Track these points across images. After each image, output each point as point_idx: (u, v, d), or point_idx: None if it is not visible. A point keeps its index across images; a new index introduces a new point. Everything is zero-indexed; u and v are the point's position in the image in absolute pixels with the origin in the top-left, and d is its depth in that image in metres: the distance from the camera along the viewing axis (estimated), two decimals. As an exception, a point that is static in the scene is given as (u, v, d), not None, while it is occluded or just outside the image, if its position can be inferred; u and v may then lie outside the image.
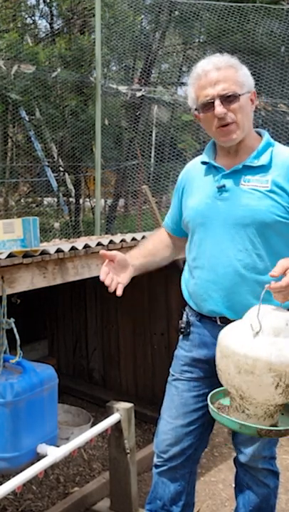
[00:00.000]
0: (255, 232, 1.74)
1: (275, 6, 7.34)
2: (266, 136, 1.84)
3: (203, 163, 1.91)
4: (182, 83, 8.84)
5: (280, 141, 1.89)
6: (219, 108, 1.72)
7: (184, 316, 1.99)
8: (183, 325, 1.97)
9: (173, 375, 2.01)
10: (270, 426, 1.50)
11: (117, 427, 2.41)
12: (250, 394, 1.47)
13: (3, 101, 6.84)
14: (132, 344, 3.56)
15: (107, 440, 2.55)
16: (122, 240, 2.49)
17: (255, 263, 1.75)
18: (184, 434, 1.96)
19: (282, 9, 7.14)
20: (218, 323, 1.85)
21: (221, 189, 1.80)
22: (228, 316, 1.82)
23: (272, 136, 1.87)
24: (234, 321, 1.82)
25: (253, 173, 1.78)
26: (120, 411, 2.40)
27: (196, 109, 1.81)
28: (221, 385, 1.95)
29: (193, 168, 1.97)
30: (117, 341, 3.66)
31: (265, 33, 7.13)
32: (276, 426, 1.52)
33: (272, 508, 2.05)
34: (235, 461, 2.04)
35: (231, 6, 6.97)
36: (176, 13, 8.43)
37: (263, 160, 1.78)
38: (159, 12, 8.38)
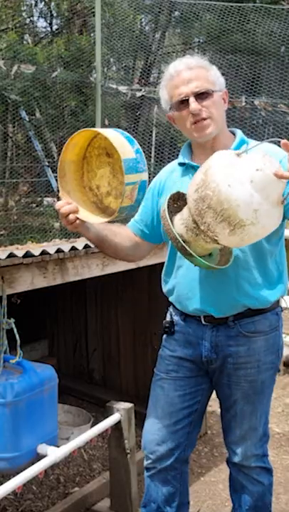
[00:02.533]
0: None
1: (275, 6, 7.35)
2: (239, 134, 1.86)
3: (181, 164, 1.91)
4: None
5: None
6: (194, 104, 1.74)
7: (168, 315, 1.99)
8: (167, 324, 1.97)
9: (158, 375, 2.01)
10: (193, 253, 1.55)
11: (117, 427, 2.41)
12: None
13: (3, 101, 6.84)
14: (132, 344, 3.56)
15: (107, 440, 2.55)
16: (122, 240, 2.48)
17: (236, 257, 1.75)
18: (170, 434, 1.96)
19: (282, 9, 7.15)
20: (203, 322, 1.86)
21: None
22: (213, 313, 1.82)
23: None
24: (219, 318, 1.83)
25: None
26: (120, 411, 2.41)
27: (169, 109, 1.82)
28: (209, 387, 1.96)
29: (171, 171, 1.95)
30: (117, 341, 3.66)
31: (265, 33, 7.14)
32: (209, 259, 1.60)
33: (269, 506, 2.04)
34: (228, 461, 2.04)
35: (231, 6, 6.98)
36: (176, 13, 8.44)
37: None
38: (159, 12, 8.39)
